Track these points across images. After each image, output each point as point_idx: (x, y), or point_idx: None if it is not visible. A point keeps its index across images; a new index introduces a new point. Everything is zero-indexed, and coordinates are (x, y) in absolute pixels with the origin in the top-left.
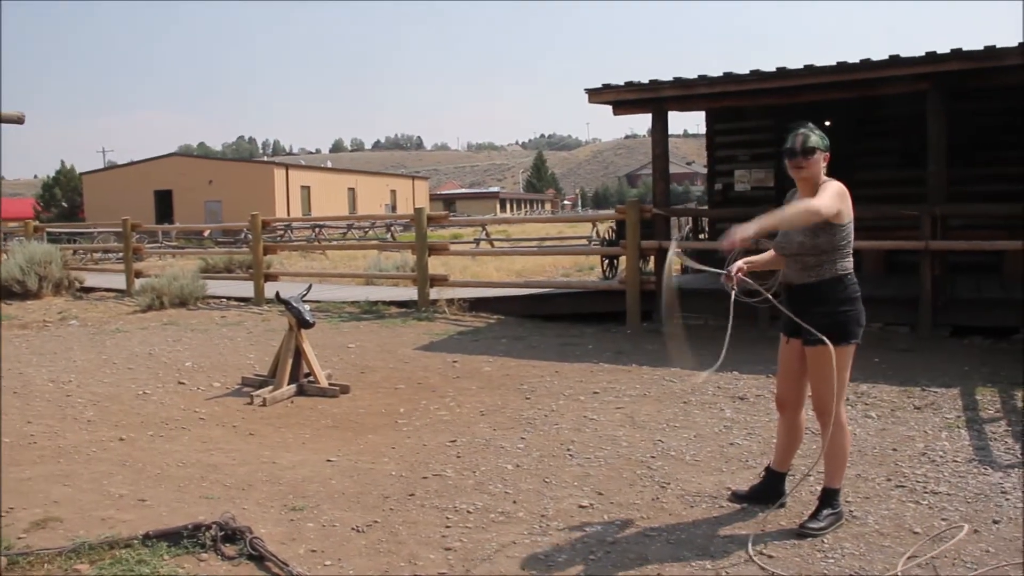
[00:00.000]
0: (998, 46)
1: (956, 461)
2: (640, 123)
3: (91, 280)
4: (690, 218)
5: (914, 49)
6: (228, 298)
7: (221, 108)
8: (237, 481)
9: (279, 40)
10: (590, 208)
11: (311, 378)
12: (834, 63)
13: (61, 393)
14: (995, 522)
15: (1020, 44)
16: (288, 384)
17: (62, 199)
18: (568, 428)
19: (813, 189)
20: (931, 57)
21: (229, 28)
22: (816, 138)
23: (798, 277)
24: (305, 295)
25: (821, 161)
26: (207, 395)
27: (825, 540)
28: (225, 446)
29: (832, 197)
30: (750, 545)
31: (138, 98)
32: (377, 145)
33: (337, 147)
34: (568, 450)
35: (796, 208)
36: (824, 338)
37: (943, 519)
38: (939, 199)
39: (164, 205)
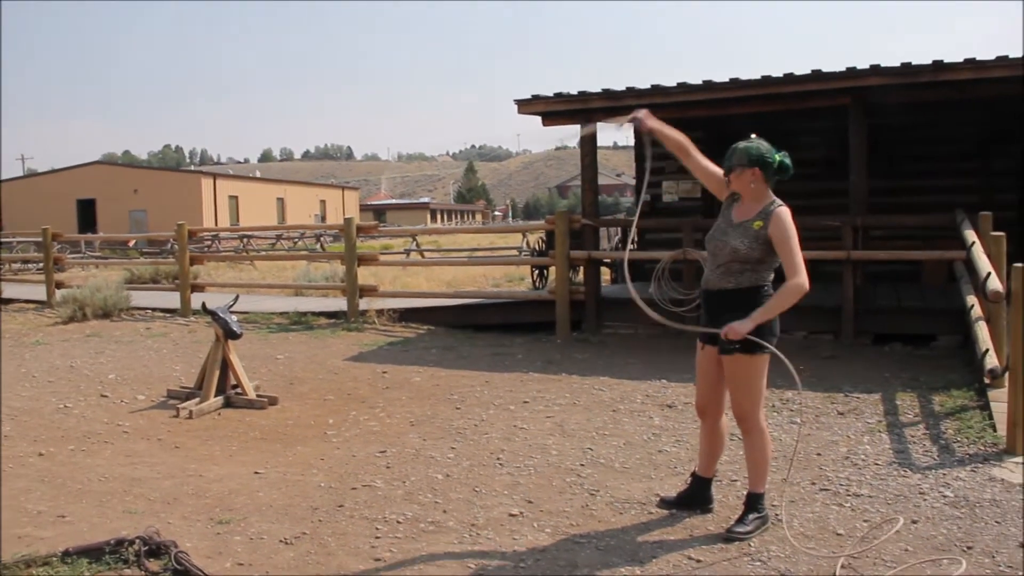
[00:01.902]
0: (913, 63)
1: (877, 464)
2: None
3: (9, 291)
4: (619, 228)
5: (846, 62)
6: (153, 309)
7: (147, 116)
8: (162, 495)
9: (208, 47)
10: (520, 219)
11: (239, 390)
12: (759, 77)
13: None
14: (914, 522)
15: (933, 62)
16: (215, 396)
17: None
18: (498, 437)
19: (758, 200)
20: (851, 72)
21: (156, 34)
22: (740, 153)
23: (716, 282)
24: (232, 306)
25: (749, 176)
26: (131, 408)
27: (752, 543)
28: (149, 459)
29: (794, 246)
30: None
31: (60, 106)
32: (307, 155)
33: (266, 157)
34: (498, 459)
35: (788, 295)
36: (737, 346)
37: (865, 521)
38: (860, 210)
39: (87, 214)
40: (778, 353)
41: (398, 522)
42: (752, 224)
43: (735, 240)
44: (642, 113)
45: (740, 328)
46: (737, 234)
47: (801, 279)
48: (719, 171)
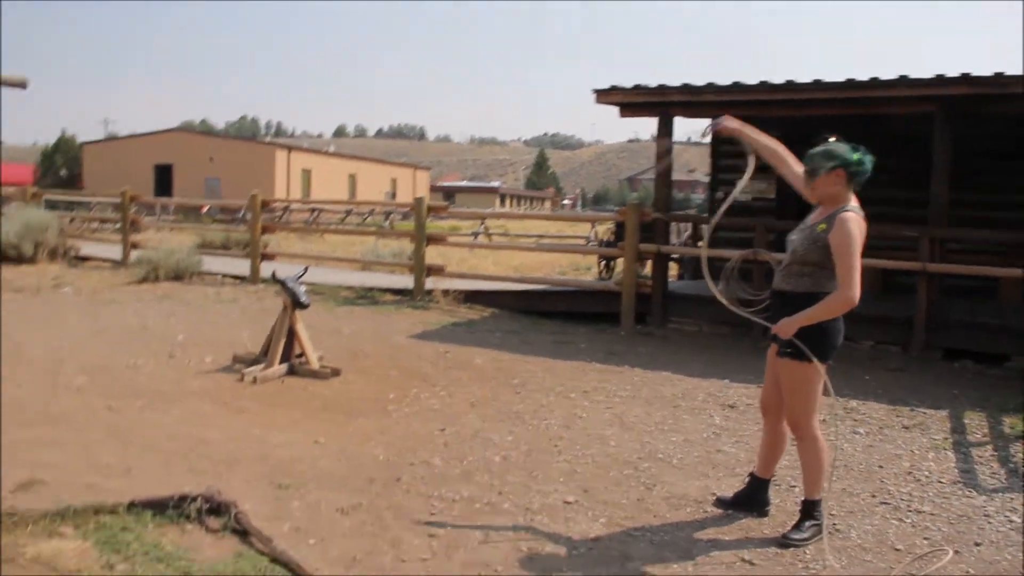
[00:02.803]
0: (1006, 73)
1: (941, 482)
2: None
3: (87, 249)
4: (690, 224)
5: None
6: (224, 275)
7: (226, 86)
8: (225, 456)
9: (287, 21)
10: (590, 208)
11: (303, 359)
12: (843, 79)
13: (52, 360)
14: (977, 544)
15: (995, 74)
16: (280, 364)
17: (62, 167)
18: (557, 424)
19: (833, 205)
20: (939, 80)
21: (239, 5)
22: (818, 158)
23: (779, 282)
24: (302, 276)
25: (833, 179)
26: (198, 370)
27: (807, 551)
28: (214, 421)
29: (851, 257)
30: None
31: (143, 69)
32: (380, 133)
33: (340, 132)
34: (556, 446)
35: (834, 304)
36: (791, 351)
37: (925, 538)
38: (939, 222)
39: (164, 179)
40: (812, 358)
41: (454, 500)
42: (817, 226)
43: (797, 239)
44: (723, 118)
45: (787, 326)
46: (802, 235)
47: (851, 292)
48: None
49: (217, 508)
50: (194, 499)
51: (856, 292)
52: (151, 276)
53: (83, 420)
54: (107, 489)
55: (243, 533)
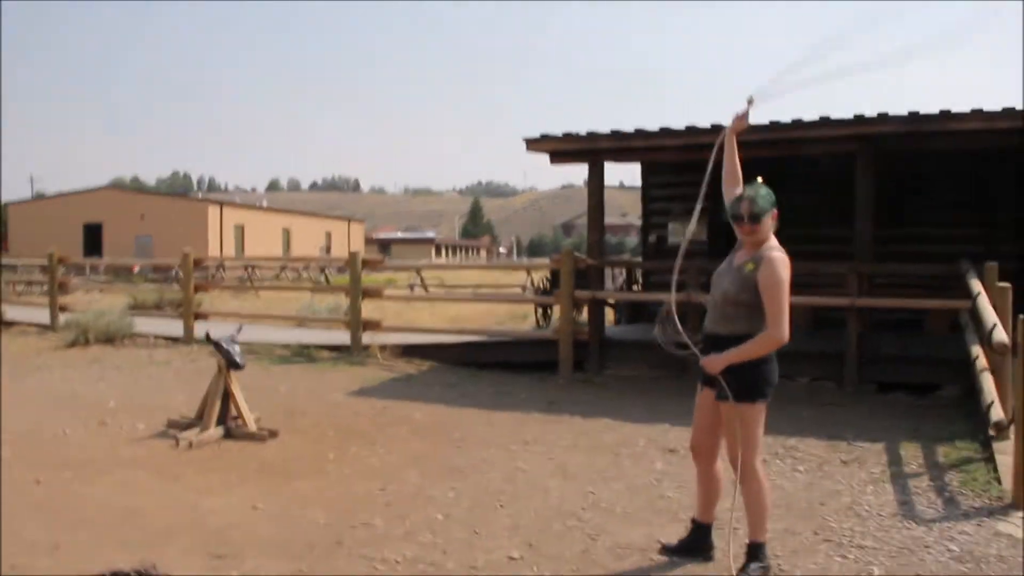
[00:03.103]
0: (921, 112)
1: (881, 515)
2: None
3: (12, 313)
4: (624, 269)
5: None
6: (157, 336)
7: (156, 141)
8: (159, 527)
9: (217, 75)
10: (525, 256)
11: (239, 421)
12: (767, 122)
13: None
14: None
15: (941, 112)
16: (215, 427)
17: None
18: (499, 478)
19: (758, 246)
20: (859, 120)
21: (167, 58)
22: (763, 202)
23: (712, 326)
24: (236, 336)
25: (769, 222)
26: (131, 436)
27: None
28: (148, 490)
29: (780, 296)
30: None
31: (71, 127)
32: (314, 186)
33: (273, 186)
34: (499, 500)
35: (763, 343)
36: (731, 394)
37: (868, 573)
38: (865, 257)
39: (94, 238)
40: (729, 396)
41: (397, 562)
42: (745, 266)
43: (727, 282)
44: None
45: (714, 362)
46: (730, 277)
47: (779, 332)
48: None
49: None
50: (127, 574)
51: (785, 331)
52: (80, 340)
53: (7, 495)
54: (34, 568)
55: None
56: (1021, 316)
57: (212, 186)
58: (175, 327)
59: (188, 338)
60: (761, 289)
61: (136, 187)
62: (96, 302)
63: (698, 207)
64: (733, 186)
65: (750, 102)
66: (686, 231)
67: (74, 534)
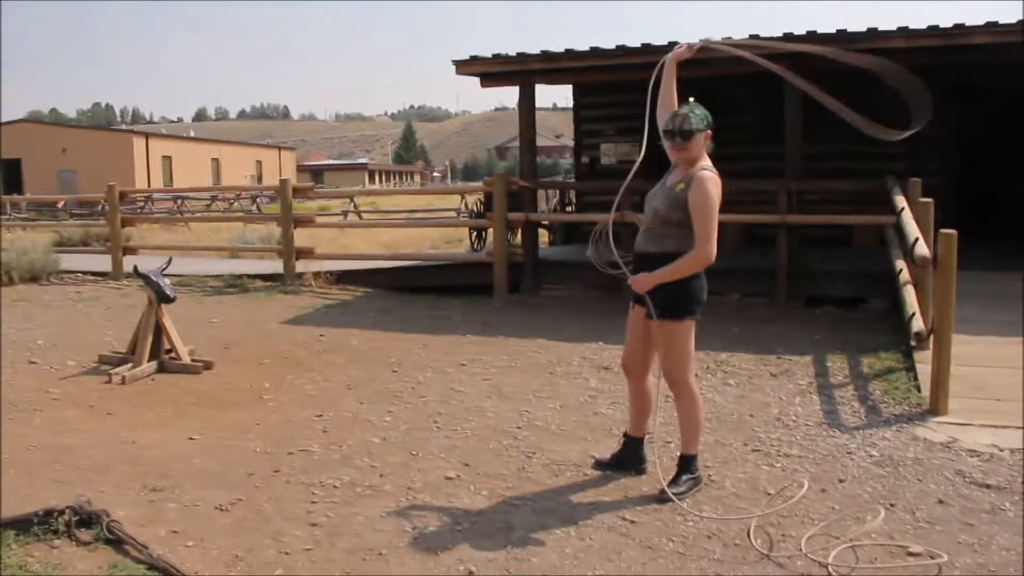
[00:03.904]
0: (849, 30)
1: (807, 425)
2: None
3: None
4: (557, 191)
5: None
6: (84, 273)
7: (76, 72)
8: (93, 463)
9: (141, 4)
10: (459, 180)
11: (172, 355)
12: (696, 40)
13: None
14: (841, 481)
15: (868, 29)
16: (148, 361)
17: None
18: (435, 400)
19: (691, 166)
20: (787, 38)
21: None
22: (696, 119)
23: (643, 245)
24: (165, 268)
25: (702, 141)
26: (61, 374)
27: (685, 504)
28: (80, 427)
29: (709, 214)
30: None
31: None
32: (242, 114)
33: (200, 116)
34: (435, 422)
35: (690, 262)
36: (660, 312)
37: (794, 480)
38: (795, 175)
39: (13, 175)
40: (654, 315)
41: (335, 487)
42: (676, 186)
43: (658, 201)
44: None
45: (643, 281)
46: (661, 196)
47: (706, 250)
48: None
49: (87, 519)
50: (61, 512)
51: (712, 249)
52: (4, 279)
53: None
54: None
55: (117, 542)
56: (942, 231)
57: (136, 117)
58: (103, 262)
59: (117, 273)
60: (691, 208)
61: (55, 119)
62: (19, 240)
63: (646, 131)
64: (668, 112)
65: (700, 44)
66: (638, 153)
67: (6, 475)
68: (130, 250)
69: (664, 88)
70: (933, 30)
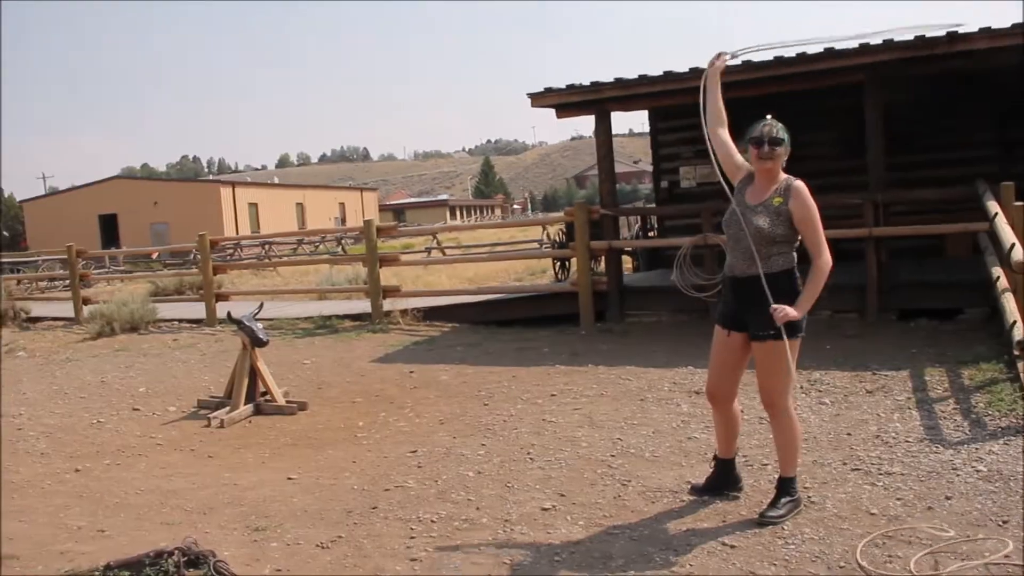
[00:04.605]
0: (927, 35)
1: (908, 441)
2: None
3: (38, 310)
4: (638, 216)
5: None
6: (180, 320)
7: (163, 127)
8: (198, 505)
9: (219, 55)
10: (540, 211)
11: (268, 397)
12: (772, 58)
13: (12, 427)
14: (947, 498)
15: (948, 33)
16: (245, 404)
17: (2, 228)
18: (528, 432)
19: (772, 180)
20: (864, 49)
21: (165, 43)
22: (782, 131)
23: (745, 267)
24: (257, 313)
25: (784, 155)
26: (163, 420)
27: (785, 527)
28: (184, 470)
29: (818, 223)
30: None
31: (77, 121)
32: (324, 158)
33: (283, 162)
34: (529, 454)
35: (819, 277)
36: (774, 332)
37: (898, 499)
38: (880, 186)
39: (109, 229)
40: (786, 336)
41: (432, 521)
42: (772, 200)
43: (759, 220)
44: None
45: (793, 314)
46: (758, 214)
47: (827, 257)
48: (738, 154)
49: (195, 560)
50: (170, 553)
51: (828, 255)
52: (106, 330)
53: (49, 486)
54: (81, 554)
55: None
56: None
57: (222, 167)
58: (197, 310)
59: (211, 320)
60: (798, 220)
61: (147, 174)
62: (118, 292)
63: (712, 153)
64: (718, 126)
65: (732, 55)
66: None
67: (116, 518)
68: (222, 296)
69: (710, 102)
70: (1018, 28)
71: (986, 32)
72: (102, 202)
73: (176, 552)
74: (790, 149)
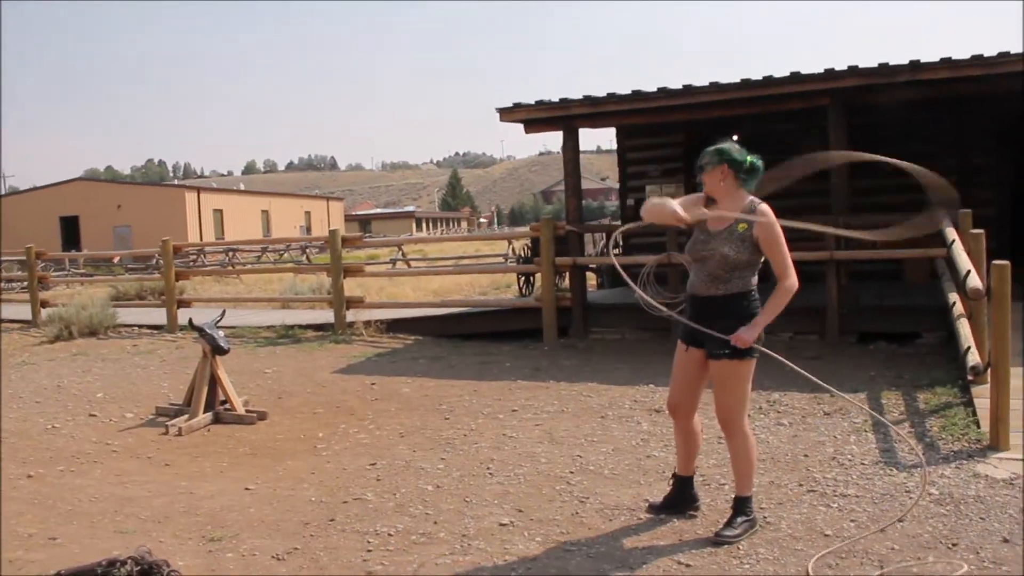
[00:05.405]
0: (891, 63)
1: (864, 463)
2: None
3: None
4: (604, 234)
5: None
6: (140, 326)
7: (129, 130)
8: (153, 513)
9: (188, 58)
10: (506, 225)
11: (227, 405)
12: (738, 80)
13: None
14: (900, 521)
15: (910, 62)
16: (204, 412)
17: None
18: (488, 447)
19: (733, 199)
20: (829, 74)
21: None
22: (709, 154)
23: (705, 288)
24: (219, 321)
25: (718, 174)
26: (120, 426)
27: (740, 547)
28: (140, 478)
29: (783, 247)
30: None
31: (40, 121)
32: (291, 166)
33: (250, 169)
34: (488, 468)
35: (782, 297)
36: (729, 352)
37: (852, 520)
38: (842, 210)
39: (71, 232)
40: (777, 356)
41: (389, 535)
42: (737, 227)
43: (723, 247)
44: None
45: (748, 335)
46: (722, 241)
47: (793, 279)
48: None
49: (148, 569)
50: (123, 563)
51: (795, 278)
52: (64, 334)
53: (1, 491)
54: (31, 562)
55: None
56: (995, 262)
57: (188, 172)
58: (158, 316)
59: (172, 326)
60: (764, 244)
61: (111, 177)
62: (77, 295)
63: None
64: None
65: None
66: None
67: (69, 526)
68: (184, 303)
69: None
70: (977, 60)
71: (946, 63)
72: (64, 204)
73: (129, 561)
74: (734, 168)
